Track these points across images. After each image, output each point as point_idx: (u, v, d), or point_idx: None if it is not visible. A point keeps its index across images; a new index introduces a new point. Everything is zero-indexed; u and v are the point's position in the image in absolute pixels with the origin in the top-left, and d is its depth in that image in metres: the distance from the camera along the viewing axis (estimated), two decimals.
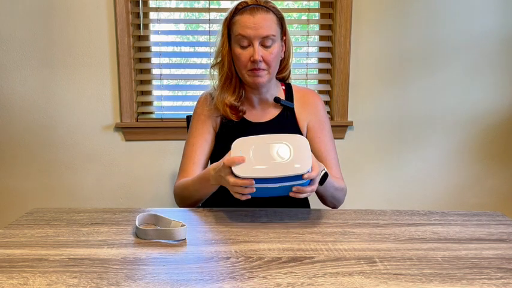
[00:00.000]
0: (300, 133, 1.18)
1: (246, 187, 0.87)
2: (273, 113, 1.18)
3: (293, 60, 1.23)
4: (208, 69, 1.19)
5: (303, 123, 1.19)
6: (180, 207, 1.16)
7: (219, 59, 1.15)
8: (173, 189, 1.17)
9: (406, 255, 0.76)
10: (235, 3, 1.11)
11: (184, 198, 1.13)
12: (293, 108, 1.19)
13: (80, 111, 1.85)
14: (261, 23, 1.06)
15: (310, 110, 1.20)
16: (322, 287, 0.64)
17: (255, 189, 0.87)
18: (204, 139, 1.18)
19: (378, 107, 1.91)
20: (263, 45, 1.07)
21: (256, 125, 1.17)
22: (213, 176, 0.97)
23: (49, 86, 1.82)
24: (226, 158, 0.88)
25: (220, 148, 1.17)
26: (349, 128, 1.92)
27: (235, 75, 1.14)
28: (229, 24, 1.11)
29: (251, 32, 1.06)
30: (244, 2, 1.10)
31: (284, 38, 1.14)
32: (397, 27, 1.85)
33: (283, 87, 1.22)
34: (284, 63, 1.20)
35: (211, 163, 1.25)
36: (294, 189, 0.88)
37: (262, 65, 1.08)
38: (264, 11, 1.07)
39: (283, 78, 1.24)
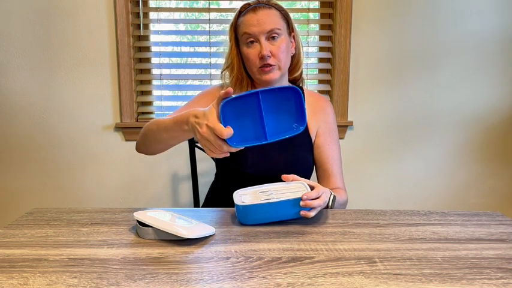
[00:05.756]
0: (309, 137, 1.18)
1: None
2: None
3: (303, 59, 1.22)
4: (220, 72, 1.21)
5: (312, 129, 1.19)
6: (139, 148, 1.09)
7: (229, 62, 1.16)
8: (143, 128, 1.06)
9: (406, 255, 0.76)
10: (239, 6, 1.14)
11: (150, 133, 1.01)
12: None
13: (80, 111, 1.85)
14: (264, 19, 1.07)
15: (321, 117, 1.20)
16: (322, 287, 0.64)
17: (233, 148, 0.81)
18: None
19: (378, 107, 1.91)
20: (269, 41, 1.08)
21: None
22: (191, 123, 0.84)
23: (49, 86, 1.82)
24: (216, 126, 0.78)
25: None
26: (349, 128, 1.92)
27: (246, 77, 1.16)
28: (235, 27, 1.14)
29: (255, 28, 1.07)
30: (247, 3, 1.12)
31: (292, 33, 1.15)
32: (397, 27, 1.85)
33: None
34: (296, 60, 1.20)
35: (216, 163, 1.25)
36: (301, 203, 0.86)
37: (272, 60, 1.08)
38: (266, 8, 1.10)
39: (295, 80, 1.24)
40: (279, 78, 1.11)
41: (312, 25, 1.90)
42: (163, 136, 0.97)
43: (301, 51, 1.20)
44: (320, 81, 1.95)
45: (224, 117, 0.79)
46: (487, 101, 1.93)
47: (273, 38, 1.09)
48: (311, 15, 1.92)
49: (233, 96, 0.79)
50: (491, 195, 2.02)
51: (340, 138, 1.91)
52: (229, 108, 0.79)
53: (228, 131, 0.77)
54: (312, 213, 0.88)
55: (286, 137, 0.82)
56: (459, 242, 0.82)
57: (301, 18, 1.92)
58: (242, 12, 1.12)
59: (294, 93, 0.82)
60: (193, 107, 1.11)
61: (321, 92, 1.93)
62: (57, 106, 1.84)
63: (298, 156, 1.15)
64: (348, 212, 1.00)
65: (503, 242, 0.83)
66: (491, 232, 0.88)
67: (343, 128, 1.90)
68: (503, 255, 0.76)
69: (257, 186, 0.98)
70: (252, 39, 1.09)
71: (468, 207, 2.00)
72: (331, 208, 1.01)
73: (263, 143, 0.81)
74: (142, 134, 1.06)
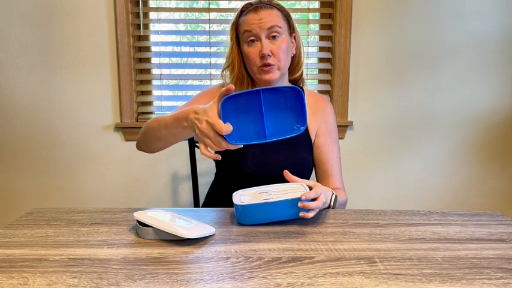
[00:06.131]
0: (309, 137, 1.18)
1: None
2: None
3: (304, 60, 1.22)
4: (220, 72, 1.21)
5: (312, 129, 1.19)
6: (139, 146, 1.09)
7: (229, 61, 1.17)
8: (144, 126, 1.06)
9: (406, 255, 0.76)
10: (240, 6, 1.14)
11: (150, 131, 1.01)
12: None
13: (80, 111, 1.85)
14: (265, 18, 1.08)
15: (321, 117, 1.21)
16: (322, 287, 0.64)
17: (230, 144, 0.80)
18: None
19: (378, 107, 1.91)
20: (270, 40, 1.09)
21: None
22: (190, 119, 0.84)
23: (49, 86, 1.82)
24: (216, 122, 0.78)
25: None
26: (349, 128, 1.92)
27: (246, 77, 1.16)
28: (236, 27, 1.14)
29: (256, 27, 1.08)
30: (249, 3, 1.13)
31: (293, 34, 1.16)
32: (397, 27, 1.85)
33: None
34: (296, 61, 1.20)
35: (216, 163, 1.24)
36: (299, 204, 0.86)
37: (272, 60, 1.08)
38: (268, 8, 1.10)
39: (295, 80, 1.24)
40: (278, 78, 1.11)
41: (312, 25, 1.90)
42: (163, 133, 0.97)
43: (302, 51, 1.20)
44: (320, 81, 1.95)
45: (224, 114, 0.79)
46: (487, 101, 1.93)
47: (274, 37, 1.09)
48: (311, 15, 1.92)
49: (234, 93, 0.79)
50: (491, 195, 2.02)
51: (340, 138, 1.91)
52: (230, 105, 0.79)
53: (227, 127, 0.77)
54: (311, 214, 0.88)
55: (286, 137, 0.82)
56: (459, 242, 0.82)
57: (301, 18, 1.92)
58: (244, 11, 1.13)
59: (295, 93, 0.82)
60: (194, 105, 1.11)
61: (321, 92, 1.93)
62: (57, 106, 1.84)
63: (298, 157, 1.15)
64: (348, 212, 1.00)
65: (503, 242, 0.83)
66: (491, 232, 0.88)
67: (343, 128, 1.90)
68: (503, 255, 0.76)
69: (257, 187, 0.98)
70: (252, 38, 1.09)
71: (468, 207, 2.00)
72: (333, 208, 1.01)
73: (262, 141, 0.81)
74: (143, 131, 1.06)
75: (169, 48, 1.92)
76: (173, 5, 1.92)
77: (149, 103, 1.93)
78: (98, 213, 0.97)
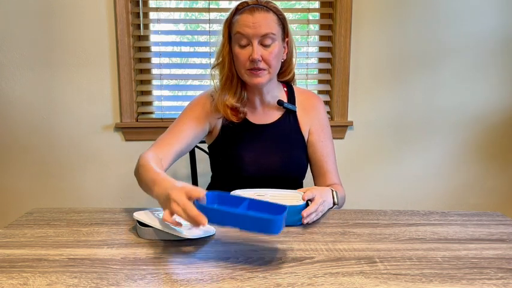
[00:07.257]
0: (302, 136, 1.18)
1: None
2: (275, 115, 1.17)
3: (296, 61, 1.21)
4: (210, 70, 1.17)
5: (305, 127, 1.19)
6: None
7: (219, 60, 1.13)
8: (139, 158, 1.02)
9: (406, 255, 0.76)
10: (236, 3, 1.10)
11: (137, 176, 1.00)
12: (295, 111, 1.19)
13: (80, 111, 1.85)
14: (260, 22, 1.04)
15: (312, 114, 1.20)
16: (322, 287, 0.64)
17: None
18: (194, 126, 1.13)
19: (377, 107, 1.91)
20: (262, 45, 1.05)
21: (259, 126, 1.16)
22: (160, 194, 0.81)
23: (49, 86, 1.82)
24: (189, 189, 0.75)
25: (225, 148, 1.16)
26: (349, 128, 1.92)
27: (236, 76, 1.12)
28: (229, 24, 1.10)
29: (250, 30, 1.04)
30: (245, 2, 1.08)
31: (286, 39, 1.13)
32: (397, 27, 1.85)
33: (285, 89, 1.21)
34: (286, 66, 1.18)
35: (211, 166, 1.24)
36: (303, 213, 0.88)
37: (261, 65, 1.05)
38: (264, 11, 1.06)
39: (286, 82, 1.23)
40: (267, 82, 1.09)
41: (312, 25, 1.89)
42: (141, 182, 0.97)
43: (294, 56, 1.18)
44: (320, 81, 1.95)
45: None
46: (487, 101, 1.93)
47: (266, 42, 1.05)
48: (311, 15, 1.92)
49: (218, 192, 0.81)
50: (491, 196, 2.02)
51: (340, 138, 1.91)
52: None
53: (201, 218, 0.71)
54: (312, 216, 0.90)
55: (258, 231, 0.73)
56: (459, 242, 0.82)
57: (301, 18, 1.92)
58: (239, 10, 1.08)
59: (277, 215, 0.75)
60: (186, 122, 1.12)
61: (320, 92, 1.93)
62: (57, 106, 1.84)
63: (293, 156, 1.15)
64: (348, 212, 1.00)
65: (503, 242, 0.83)
66: (491, 232, 0.88)
67: (343, 128, 1.90)
68: (503, 255, 0.76)
69: (256, 189, 0.97)
70: (244, 40, 1.06)
71: (468, 207, 2.00)
72: (337, 204, 1.01)
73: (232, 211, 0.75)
74: (136, 171, 1.01)
75: (169, 48, 1.92)
76: (173, 5, 1.92)
77: (149, 103, 1.93)
78: (98, 213, 0.98)
